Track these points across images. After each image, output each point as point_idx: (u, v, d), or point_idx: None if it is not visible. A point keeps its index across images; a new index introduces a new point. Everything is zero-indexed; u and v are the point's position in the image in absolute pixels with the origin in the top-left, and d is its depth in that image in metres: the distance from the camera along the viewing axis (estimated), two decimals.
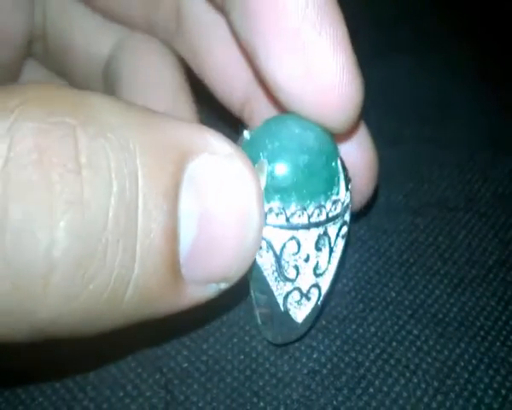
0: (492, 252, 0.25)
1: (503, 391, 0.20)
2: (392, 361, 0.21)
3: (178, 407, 0.19)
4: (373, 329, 0.22)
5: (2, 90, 0.13)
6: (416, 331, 0.22)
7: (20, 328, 0.13)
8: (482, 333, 0.21)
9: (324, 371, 0.20)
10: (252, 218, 0.16)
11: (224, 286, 0.17)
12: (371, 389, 0.20)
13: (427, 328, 0.22)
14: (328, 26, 0.18)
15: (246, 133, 0.19)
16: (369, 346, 0.21)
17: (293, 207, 0.18)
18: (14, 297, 0.13)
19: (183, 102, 0.25)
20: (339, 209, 0.18)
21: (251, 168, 0.16)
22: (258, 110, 0.23)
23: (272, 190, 0.18)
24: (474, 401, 0.19)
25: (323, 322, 0.22)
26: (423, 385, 0.20)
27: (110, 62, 0.27)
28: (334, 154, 0.19)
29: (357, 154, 0.22)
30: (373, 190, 0.23)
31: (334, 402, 0.19)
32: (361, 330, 0.22)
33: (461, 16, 0.43)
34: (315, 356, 0.21)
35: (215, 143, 0.16)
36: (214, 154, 0.15)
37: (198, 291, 0.16)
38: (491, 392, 0.20)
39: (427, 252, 0.25)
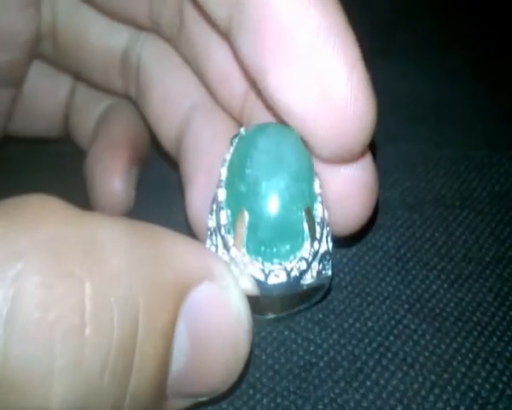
0: (489, 249, 0.25)
1: (500, 385, 0.19)
2: (390, 355, 0.21)
3: None
4: (370, 323, 0.22)
5: (12, 222, 0.13)
6: (412, 326, 0.22)
7: None
8: (479, 328, 0.21)
9: (321, 364, 0.20)
10: (240, 351, 0.17)
11: (202, 399, 0.17)
12: (368, 382, 0.20)
13: (424, 322, 0.22)
14: (341, 47, 0.18)
15: (242, 130, 0.20)
16: (366, 340, 0.21)
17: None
18: None
19: None
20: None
21: (245, 303, 0.17)
22: (257, 115, 0.23)
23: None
24: (472, 394, 0.19)
25: (320, 315, 0.22)
26: (420, 379, 0.20)
27: (129, 55, 0.27)
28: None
29: (358, 177, 0.21)
30: (370, 214, 0.22)
31: (331, 395, 0.19)
32: (358, 325, 0.22)
33: (457, 20, 0.43)
34: (312, 349, 0.21)
35: (215, 270, 0.16)
36: (213, 282, 0.16)
37: (178, 404, 0.17)
38: (488, 386, 0.19)
39: (424, 247, 0.25)
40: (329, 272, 0.20)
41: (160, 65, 0.26)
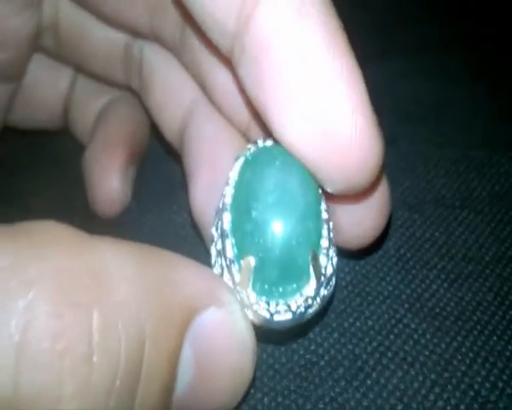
0: (489, 248, 0.25)
1: (500, 384, 0.20)
2: (390, 354, 0.21)
3: None
4: (370, 322, 0.22)
5: (22, 250, 0.13)
6: (413, 325, 0.22)
7: None
8: (479, 327, 0.22)
9: (322, 363, 0.20)
10: (244, 374, 0.17)
11: None
12: (369, 381, 0.20)
13: (424, 322, 0.22)
14: (345, 84, 0.17)
15: (247, 153, 0.20)
16: (367, 339, 0.21)
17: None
18: None
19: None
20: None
21: (250, 327, 0.17)
22: (263, 131, 0.23)
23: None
24: (472, 393, 0.19)
25: None
26: (420, 378, 0.20)
27: (132, 45, 0.27)
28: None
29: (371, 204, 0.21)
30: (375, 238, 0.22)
31: (332, 394, 0.19)
32: (358, 324, 0.22)
33: (456, 20, 0.43)
34: (312, 348, 0.21)
35: (222, 296, 0.16)
36: (220, 308, 0.16)
37: None
38: (488, 385, 0.20)
39: (424, 247, 0.25)
40: (333, 282, 0.19)
41: (163, 56, 0.26)
